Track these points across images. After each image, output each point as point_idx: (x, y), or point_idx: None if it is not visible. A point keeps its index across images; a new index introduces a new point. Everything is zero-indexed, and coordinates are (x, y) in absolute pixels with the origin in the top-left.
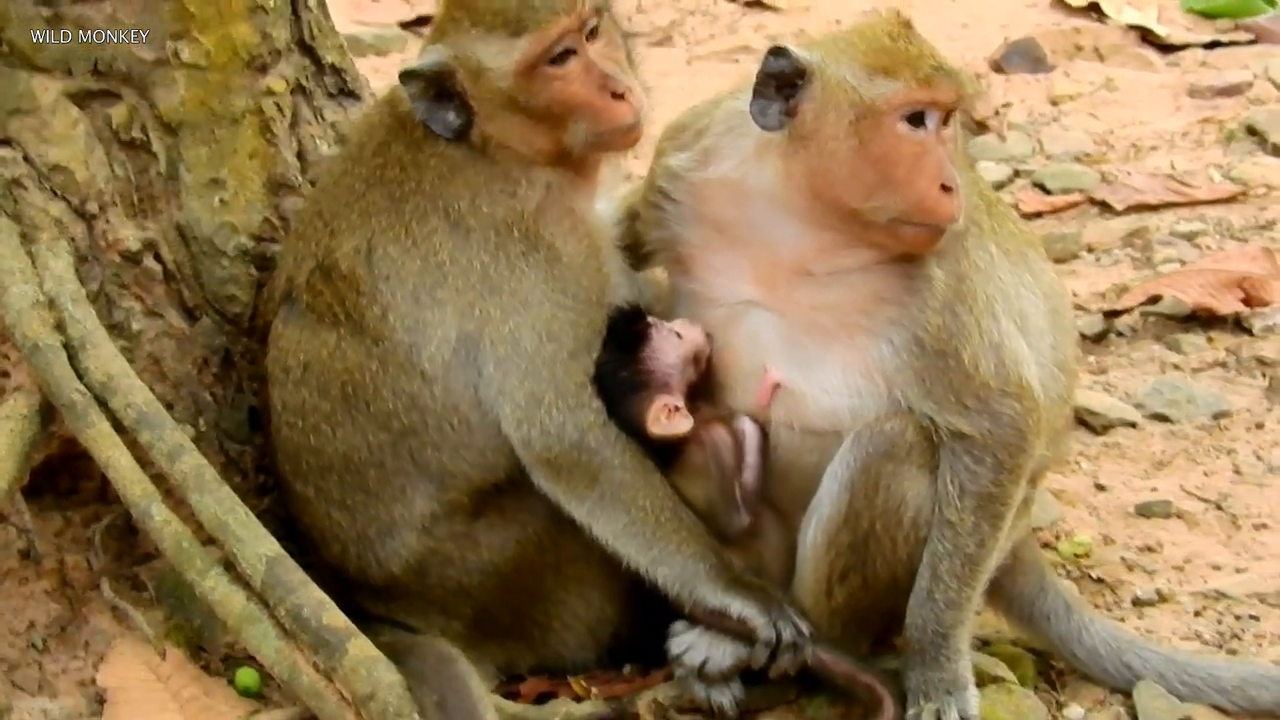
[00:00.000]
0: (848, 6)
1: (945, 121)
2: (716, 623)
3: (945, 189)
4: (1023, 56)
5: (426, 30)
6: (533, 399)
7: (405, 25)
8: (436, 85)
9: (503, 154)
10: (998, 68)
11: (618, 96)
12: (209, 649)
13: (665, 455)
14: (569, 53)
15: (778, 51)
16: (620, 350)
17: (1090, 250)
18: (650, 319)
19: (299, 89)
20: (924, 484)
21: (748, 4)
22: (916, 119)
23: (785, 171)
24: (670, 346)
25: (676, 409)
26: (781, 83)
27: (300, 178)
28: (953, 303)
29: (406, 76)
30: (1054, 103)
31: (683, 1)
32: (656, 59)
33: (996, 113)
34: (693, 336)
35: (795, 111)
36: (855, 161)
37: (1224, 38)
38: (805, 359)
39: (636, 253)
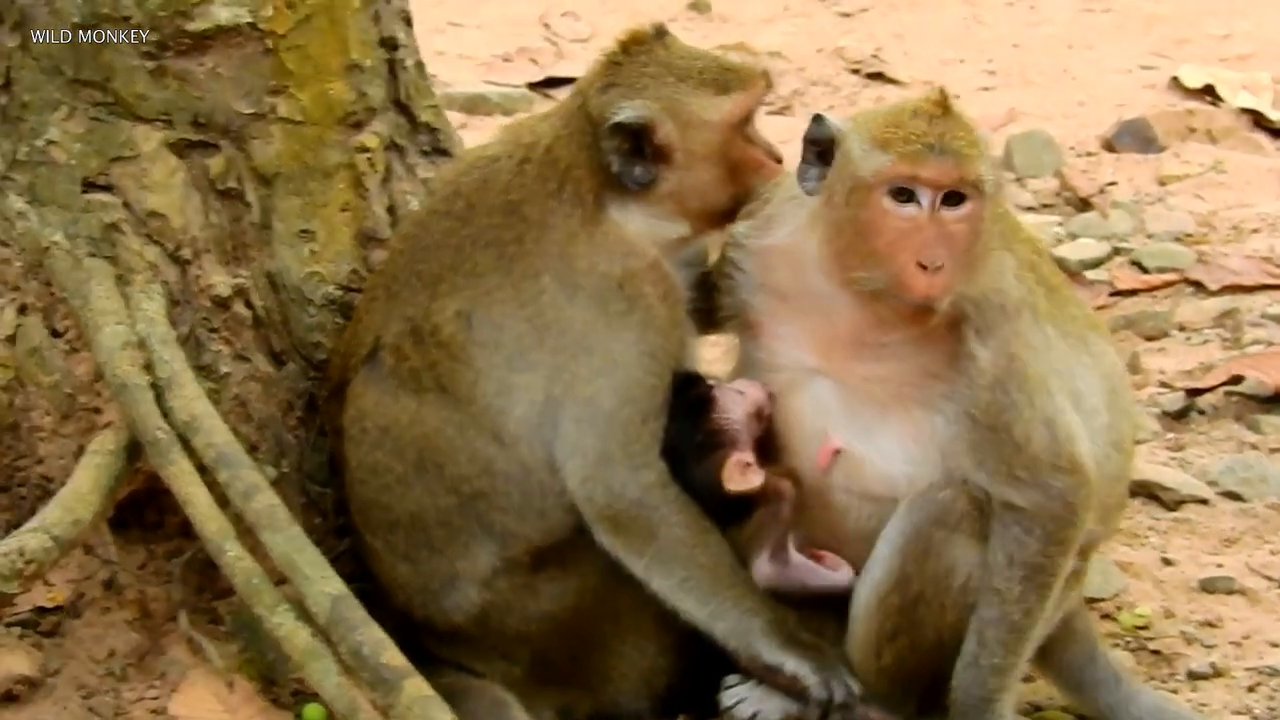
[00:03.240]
0: (968, 83)
1: (956, 202)
2: (770, 678)
3: (923, 267)
4: (1133, 136)
5: (568, 91)
6: (602, 457)
7: (533, 86)
8: (635, 139)
9: (669, 207)
10: (1109, 146)
11: (777, 160)
12: (280, 683)
13: (736, 513)
14: (751, 114)
15: (817, 119)
16: (688, 416)
17: (1181, 329)
18: (710, 381)
19: (392, 146)
20: (974, 552)
21: (869, 76)
22: (904, 195)
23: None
24: (735, 404)
25: (749, 464)
26: (820, 149)
27: (390, 231)
28: (1003, 380)
29: (617, 129)
30: (1161, 183)
31: (807, 71)
32: (775, 127)
33: (1102, 190)
34: (754, 393)
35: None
36: (848, 231)
37: None
38: (864, 426)
39: (711, 318)
